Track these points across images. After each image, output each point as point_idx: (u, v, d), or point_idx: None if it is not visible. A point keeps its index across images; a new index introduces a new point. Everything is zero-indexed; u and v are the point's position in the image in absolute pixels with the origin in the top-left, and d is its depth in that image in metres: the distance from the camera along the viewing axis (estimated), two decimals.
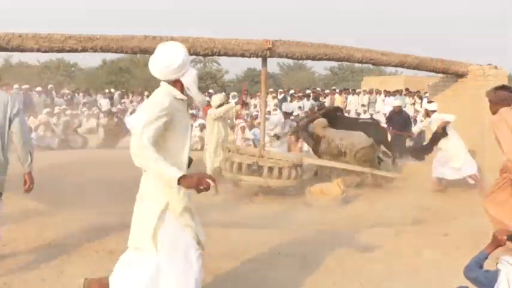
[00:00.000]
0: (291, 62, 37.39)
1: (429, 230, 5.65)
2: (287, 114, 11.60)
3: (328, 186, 7.95)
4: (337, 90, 23.08)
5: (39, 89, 18.48)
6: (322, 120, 9.71)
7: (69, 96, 19.72)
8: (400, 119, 12.42)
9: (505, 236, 2.92)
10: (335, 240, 5.02)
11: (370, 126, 10.14)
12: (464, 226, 5.64)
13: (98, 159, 9.98)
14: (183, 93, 3.05)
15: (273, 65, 42.17)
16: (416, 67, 9.39)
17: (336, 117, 10.20)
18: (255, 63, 36.29)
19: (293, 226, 6.36)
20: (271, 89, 21.72)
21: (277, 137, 11.06)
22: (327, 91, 23.68)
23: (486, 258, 2.96)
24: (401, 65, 9.26)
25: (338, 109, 11.74)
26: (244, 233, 5.29)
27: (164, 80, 3.06)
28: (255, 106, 19.30)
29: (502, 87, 5.29)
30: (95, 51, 7.13)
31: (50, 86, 19.95)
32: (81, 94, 21.15)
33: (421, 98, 18.54)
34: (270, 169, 7.98)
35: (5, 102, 4.05)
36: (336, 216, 7.23)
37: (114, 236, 4.74)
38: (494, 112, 5.08)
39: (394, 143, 11.24)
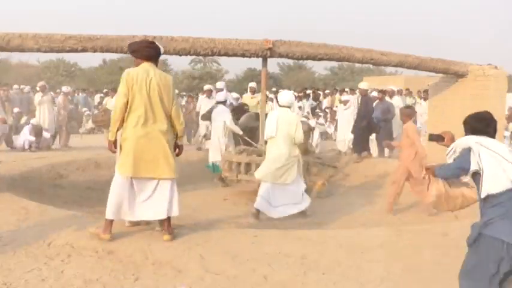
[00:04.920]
0: (291, 62, 37.41)
1: (429, 230, 5.64)
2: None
3: None
4: (338, 90, 23.04)
5: (38, 88, 18.42)
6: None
7: (69, 96, 19.64)
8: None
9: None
10: (335, 240, 5.02)
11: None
12: (464, 226, 5.62)
13: (98, 159, 9.97)
14: None
15: (273, 65, 42.19)
16: (416, 67, 9.40)
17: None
18: (255, 63, 36.26)
19: (293, 226, 6.35)
20: (273, 89, 21.70)
21: (206, 137, 10.10)
22: (327, 91, 23.66)
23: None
24: (401, 65, 9.26)
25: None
26: (243, 232, 5.29)
27: None
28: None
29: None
30: (95, 51, 7.13)
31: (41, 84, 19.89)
32: (80, 94, 21.09)
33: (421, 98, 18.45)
34: None
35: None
36: (336, 216, 7.24)
37: (115, 236, 4.74)
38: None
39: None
